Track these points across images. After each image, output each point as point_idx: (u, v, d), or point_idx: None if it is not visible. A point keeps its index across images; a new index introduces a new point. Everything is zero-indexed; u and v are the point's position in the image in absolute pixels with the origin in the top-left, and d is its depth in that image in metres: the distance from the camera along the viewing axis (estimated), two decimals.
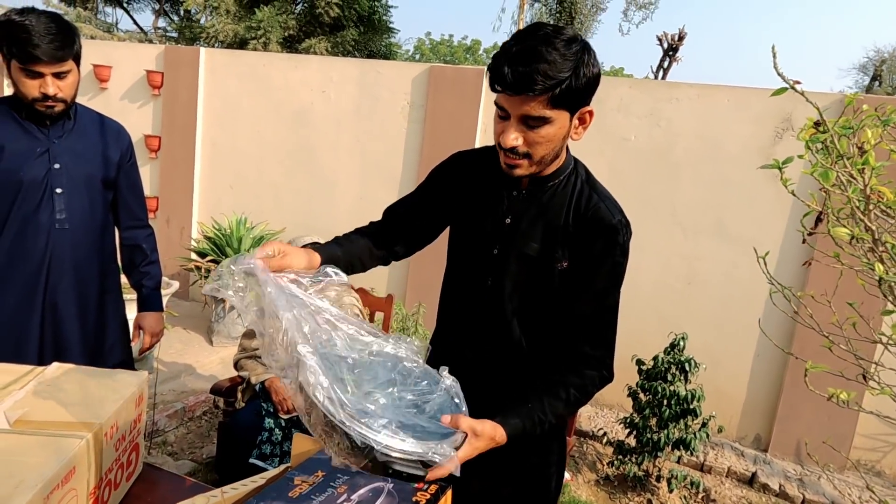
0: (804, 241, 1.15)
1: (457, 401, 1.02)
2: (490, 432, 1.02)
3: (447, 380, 1.03)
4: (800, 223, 2.68)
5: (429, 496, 0.95)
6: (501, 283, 1.21)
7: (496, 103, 1.08)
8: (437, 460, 0.90)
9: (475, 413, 1.10)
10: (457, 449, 0.95)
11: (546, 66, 0.99)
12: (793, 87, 0.83)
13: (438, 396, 1.03)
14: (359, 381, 1.01)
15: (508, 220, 1.20)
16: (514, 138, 1.06)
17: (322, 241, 2.25)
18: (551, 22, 11.88)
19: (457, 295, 1.32)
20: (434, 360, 1.40)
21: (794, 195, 0.95)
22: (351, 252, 1.28)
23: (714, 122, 3.33)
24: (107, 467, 1.11)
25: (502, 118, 1.08)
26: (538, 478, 1.33)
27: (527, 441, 1.12)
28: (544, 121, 1.05)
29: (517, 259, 1.19)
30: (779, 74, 0.82)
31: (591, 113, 1.10)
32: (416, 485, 0.97)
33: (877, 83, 15.00)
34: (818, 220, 0.97)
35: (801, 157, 0.89)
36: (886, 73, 15.25)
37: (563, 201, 1.17)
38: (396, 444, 0.88)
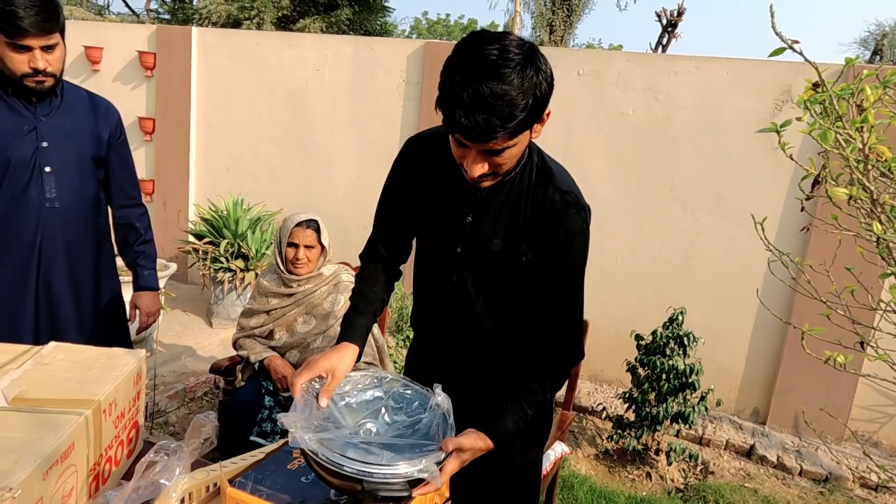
0: (802, 209, 1.14)
1: (450, 421, 1.05)
2: (474, 443, 1.04)
3: (438, 397, 1.06)
4: (796, 197, 2.66)
5: None
6: (466, 279, 1.22)
7: (454, 137, 1.02)
8: (423, 477, 0.92)
9: (455, 395, 1.15)
10: (439, 464, 0.96)
11: (505, 110, 0.93)
12: (791, 47, 0.81)
13: (429, 414, 1.06)
14: (354, 412, 1.07)
15: (469, 219, 1.18)
16: (479, 168, 1.03)
17: (322, 222, 2.24)
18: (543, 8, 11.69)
19: (426, 288, 1.35)
20: (416, 334, 1.43)
21: (791, 159, 0.94)
22: (375, 307, 1.31)
23: (713, 96, 3.30)
24: (106, 444, 1.11)
25: (461, 146, 1.03)
26: (522, 451, 1.36)
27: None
28: (507, 148, 1.01)
29: (481, 257, 1.18)
30: (777, 34, 0.80)
31: (548, 113, 1.06)
32: None
33: (878, 57, 14.84)
34: (815, 182, 0.96)
35: (799, 119, 0.88)
36: (887, 46, 15.08)
37: (520, 194, 1.15)
38: (382, 469, 0.90)
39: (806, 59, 0.83)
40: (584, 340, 1.24)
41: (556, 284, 1.15)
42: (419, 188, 1.25)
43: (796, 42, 0.80)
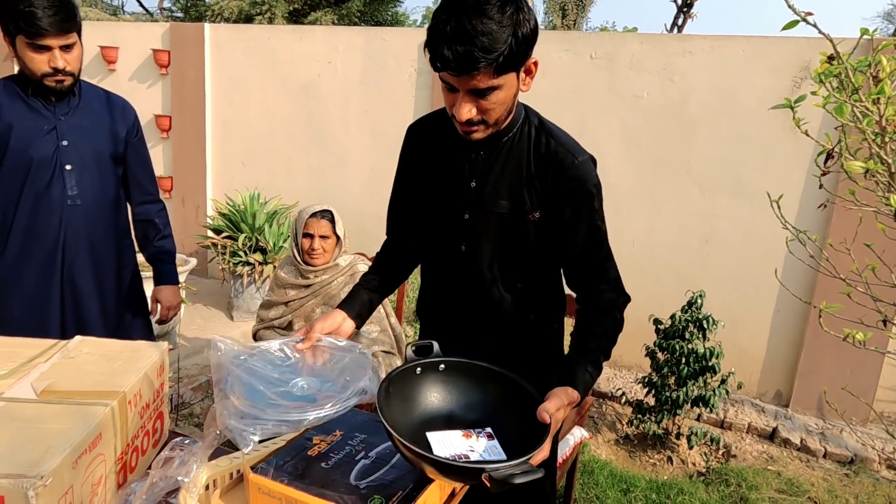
0: (821, 186, 1.12)
1: (368, 358, 1.06)
2: (563, 399, 1.02)
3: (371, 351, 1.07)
4: (813, 175, 2.62)
5: None
6: (476, 246, 1.23)
7: (441, 78, 1.07)
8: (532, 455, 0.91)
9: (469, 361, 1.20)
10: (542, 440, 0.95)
11: (485, 41, 0.98)
12: (804, 19, 0.80)
13: (349, 357, 1.09)
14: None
15: (473, 184, 1.21)
16: (467, 111, 1.06)
17: (334, 211, 2.25)
18: None
19: (434, 262, 1.35)
20: (423, 321, 1.44)
21: (807, 134, 0.93)
22: (384, 285, 1.37)
23: (729, 75, 3.24)
24: (133, 434, 1.14)
25: (451, 90, 1.07)
26: None
27: None
28: (493, 89, 1.05)
29: (488, 220, 1.20)
30: (789, 6, 0.78)
31: (535, 63, 1.10)
32: None
33: None
34: (828, 157, 0.94)
35: (814, 93, 0.87)
36: None
37: (521, 153, 1.18)
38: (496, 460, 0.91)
39: (820, 31, 0.82)
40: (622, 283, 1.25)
41: (582, 236, 1.17)
42: (424, 166, 1.28)
43: (809, 14, 0.78)
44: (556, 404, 0.99)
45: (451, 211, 1.24)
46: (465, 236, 1.24)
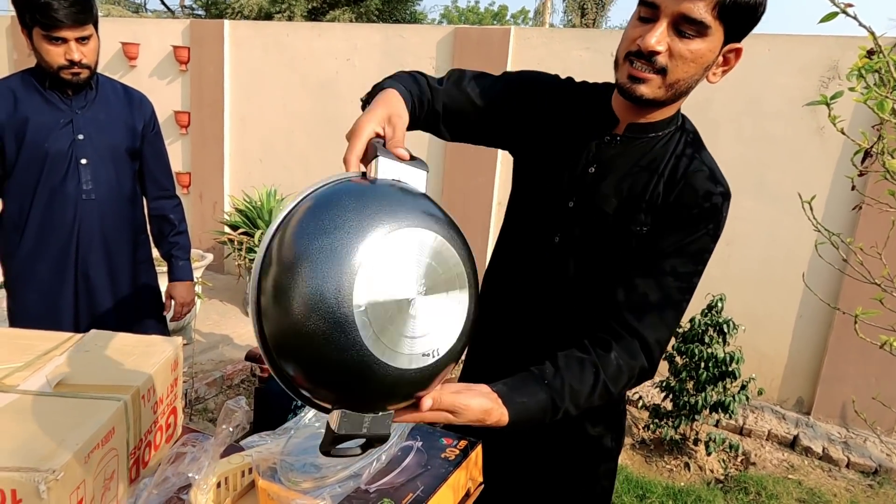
0: (853, 188, 1.08)
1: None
2: (471, 405, 0.77)
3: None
4: (846, 176, 2.55)
5: (458, 451, 0.94)
6: (571, 240, 1.03)
7: (643, 2, 0.88)
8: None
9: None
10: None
11: None
12: (843, 11, 0.76)
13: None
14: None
15: (592, 170, 1.01)
16: (657, 41, 0.85)
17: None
18: None
19: (515, 252, 1.14)
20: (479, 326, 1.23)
21: (843, 133, 0.89)
22: (422, 93, 1.04)
23: (754, 74, 3.17)
24: (146, 429, 1.13)
25: (645, 20, 0.88)
26: (594, 456, 1.16)
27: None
28: (701, 30, 0.85)
29: (594, 214, 1.01)
30: None
31: (737, 52, 0.91)
32: (444, 440, 0.96)
33: None
34: (866, 155, 0.89)
35: (852, 90, 0.83)
36: None
37: (660, 159, 0.98)
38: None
39: (860, 24, 0.78)
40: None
41: (664, 268, 0.95)
42: (543, 123, 1.07)
43: (849, 6, 0.74)
44: (464, 404, 0.75)
45: (556, 195, 1.04)
46: (562, 226, 1.04)
